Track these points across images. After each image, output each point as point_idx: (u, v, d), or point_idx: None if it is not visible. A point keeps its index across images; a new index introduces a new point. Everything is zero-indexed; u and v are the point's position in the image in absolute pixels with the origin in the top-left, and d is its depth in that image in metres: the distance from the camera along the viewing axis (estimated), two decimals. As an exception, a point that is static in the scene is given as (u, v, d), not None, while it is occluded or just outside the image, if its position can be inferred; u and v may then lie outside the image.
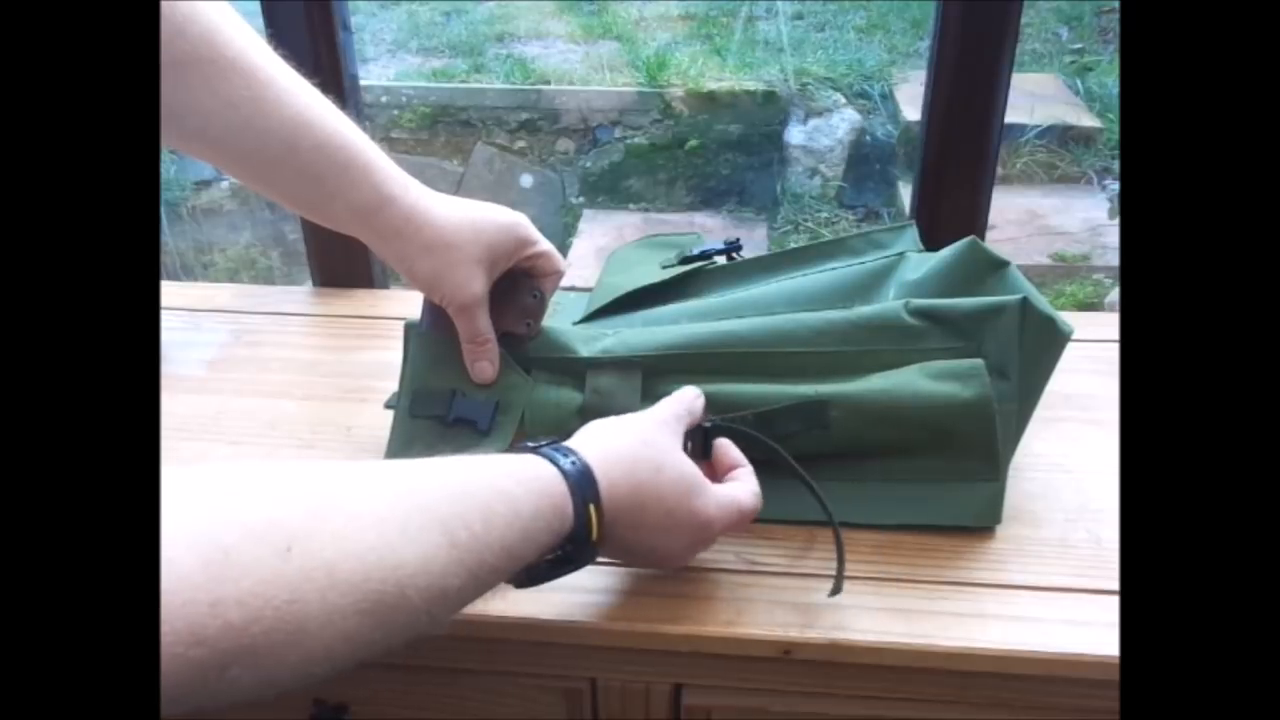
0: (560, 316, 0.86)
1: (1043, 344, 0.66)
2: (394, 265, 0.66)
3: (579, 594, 0.61)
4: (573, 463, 0.52)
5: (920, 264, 0.74)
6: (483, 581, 0.47)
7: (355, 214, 0.63)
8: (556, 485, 0.51)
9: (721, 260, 0.84)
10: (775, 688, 0.62)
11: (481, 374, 0.68)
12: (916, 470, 0.65)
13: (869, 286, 0.75)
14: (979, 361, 0.65)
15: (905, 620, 0.59)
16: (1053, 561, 0.63)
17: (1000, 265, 0.70)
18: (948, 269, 0.71)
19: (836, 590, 0.59)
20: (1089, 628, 0.58)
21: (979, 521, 0.65)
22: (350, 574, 0.40)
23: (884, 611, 0.60)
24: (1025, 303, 0.65)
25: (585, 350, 0.70)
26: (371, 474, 0.45)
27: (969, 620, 0.59)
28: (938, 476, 0.65)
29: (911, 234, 0.81)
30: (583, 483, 0.51)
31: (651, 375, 0.68)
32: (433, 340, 0.70)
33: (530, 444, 0.54)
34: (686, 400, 0.61)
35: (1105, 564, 0.63)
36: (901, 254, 0.77)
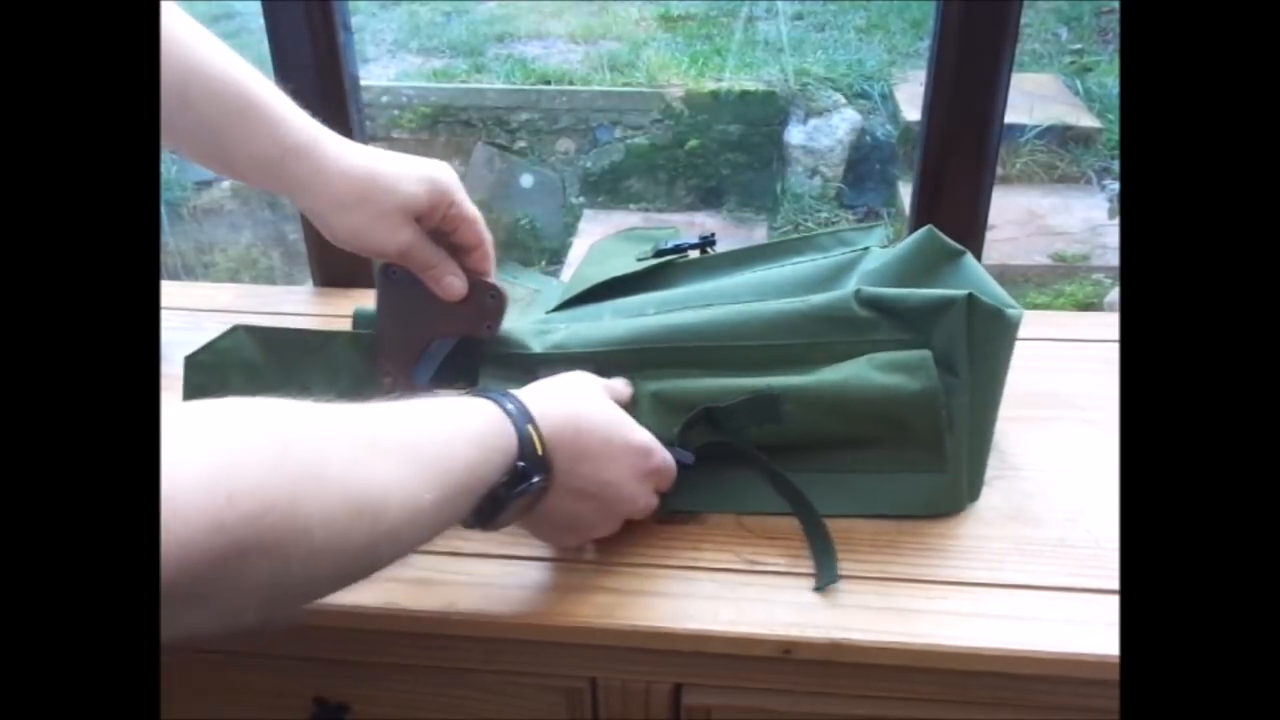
0: (538, 305, 0.86)
1: (992, 336, 0.66)
2: (314, 223, 0.64)
3: (579, 594, 0.61)
4: (506, 396, 0.56)
5: (882, 257, 0.74)
6: (454, 499, 0.50)
7: (259, 166, 0.61)
8: (496, 410, 0.55)
9: (695, 254, 0.85)
10: (775, 688, 0.62)
11: (450, 289, 0.66)
12: (867, 462, 0.66)
13: (831, 279, 0.75)
14: (927, 353, 0.65)
15: (905, 620, 0.59)
16: (1052, 561, 0.63)
17: (956, 254, 0.70)
18: (905, 258, 0.71)
19: (822, 585, 0.61)
20: (1089, 628, 0.58)
21: (929, 511, 0.66)
22: (337, 477, 0.44)
23: (884, 611, 0.60)
24: (971, 298, 0.65)
25: (537, 345, 0.70)
26: (331, 409, 0.48)
27: (969, 620, 0.59)
28: (888, 468, 0.66)
29: (880, 232, 0.81)
30: (519, 411, 0.55)
31: (603, 370, 0.68)
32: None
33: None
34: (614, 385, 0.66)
35: (1105, 564, 0.63)
36: (866, 249, 0.77)
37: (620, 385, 0.66)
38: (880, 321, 0.67)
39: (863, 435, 0.66)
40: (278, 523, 0.40)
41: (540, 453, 0.55)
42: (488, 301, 0.68)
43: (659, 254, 0.84)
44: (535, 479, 0.55)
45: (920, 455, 0.66)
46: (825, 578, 0.61)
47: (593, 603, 0.61)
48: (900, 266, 0.71)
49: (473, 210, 0.67)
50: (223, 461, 0.40)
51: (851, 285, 0.73)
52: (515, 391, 0.57)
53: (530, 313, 0.85)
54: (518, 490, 0.54)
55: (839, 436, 0.66)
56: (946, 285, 0.68)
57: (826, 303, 0.68)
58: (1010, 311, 0.66)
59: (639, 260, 0.85)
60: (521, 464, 0.54)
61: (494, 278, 0.69)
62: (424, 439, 0.49)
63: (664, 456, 0.62)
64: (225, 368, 0.69)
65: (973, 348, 0.65)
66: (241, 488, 0.39)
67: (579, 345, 0.69)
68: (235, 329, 0.69)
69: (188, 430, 0.40)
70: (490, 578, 0.63)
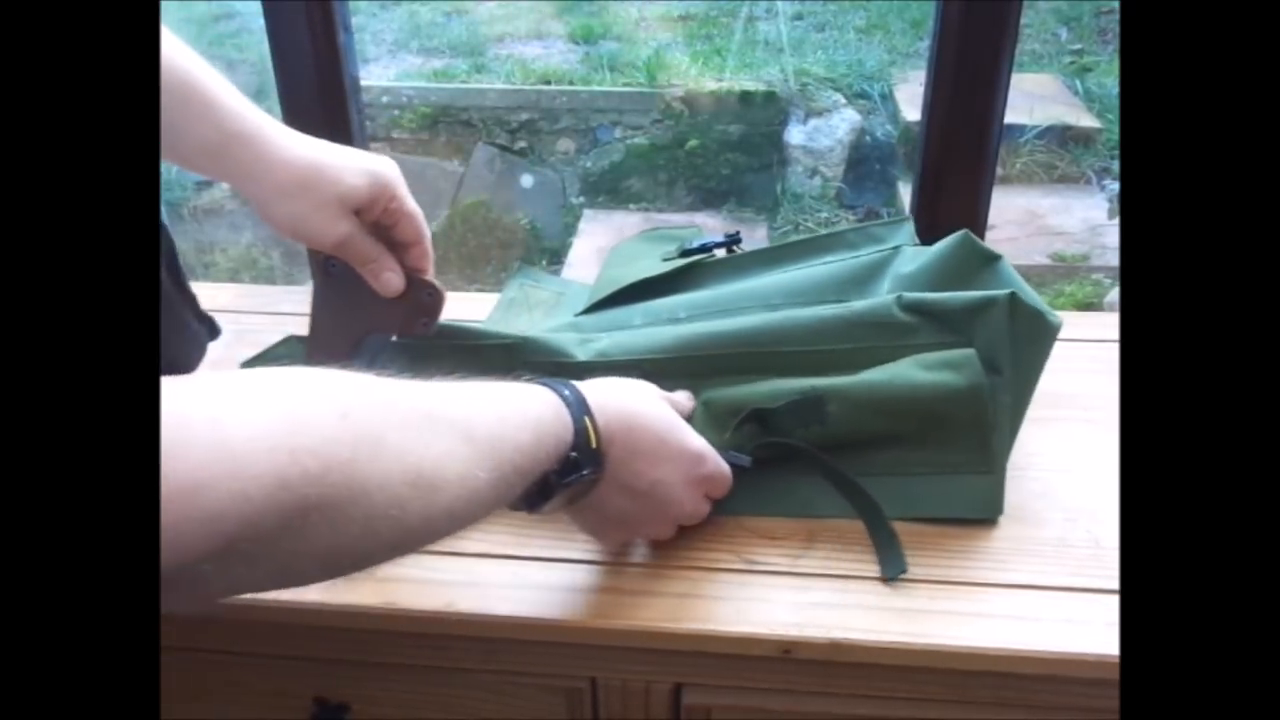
0: (564, 308, 0.86)
1: (1032, 337, 0.66)
2: (255, 210, 0.64)
3: (579, 594, 0.61)
4: (565, 385, 0.56)
5: (914, 257, 0.74)
6: (508, 480, 0.50)
7: (203, 153, 0.61)
8: (554, 398, 0.55)
9: (721, 253, 0.84)
10: (775, 687, 0.62)
11: (388, 285, 0.66)
12: (913, 464, 0.66)
13: (864, 280, 0.76)
14: (971, 351, 0.65)
15: (905, 620, 0.59)
16: (1053, 561, 0.63)
17: (992, 259, 0.70)
18: (940, 263, 0.71)
19: (894, 575, 0.61)
20: (1089, 627, 0.58)
21: (975, 513, 0.66)
22: (395, 444, 0.44)
23: (884, 611, 0.60)
24: (1014, 297, 0.65)
25: (581, 354, 0.70)
26: (389, 382, 0.48)
27: (969, 620, 0.59)
28: (934, 470, 0.66)
29: (908, 228, 0.81)
30: (576, 400, 0.56)
31: (648, 378, 0.68)
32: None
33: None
34: (677, 397, 0.66)
35: (1105, 564, 0.63)
36: (897, 248, 0.77)
37: (683, 398, 0.66)
38: (922, 325, 0.67)
39: (908, 435, 0.66)
40: (338, 483, 0.41)
41: (594, 445, 0.55)
42: (424, 299, 0.68)
43: (685, 254, 0.84)
44: (586, 470, 0.55)
45: (966, 457, 0.65)
46: (894, 568, 0.62)
47: (593, 603, 0.61)
48: (936, 270, 0.71)
49: (413, 206, 0.67)
50: (286, 421, 0.41)
51: (884, 286, 0.74)
52: (575, 383, 0.58)
53: (556, 315, 0.85)
54: (568, 479, 0.55)
55: (884, 437, 0.66)
56: (983, 289, 0.68)
57: (868, 308, 0.69)
58: (1051, 316, 0.66)
59: (664, 260, 0.85)
60: (574, 454, 0.54)
61: (431, 275, 0.69)
62: (481, 418, 0.50)
63: (717, 463, 0.62)
64: None
65: (1013, 348, 0.65)
66: (304, 445, 0.40)
67: (623, 353, 0.69)
68: (289, 338, 0.72)
69: (251, 391, 0.41)
70: (490, 578, 0.63)
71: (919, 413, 0.65)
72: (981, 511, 0.66)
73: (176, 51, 0.60)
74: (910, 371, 0.65)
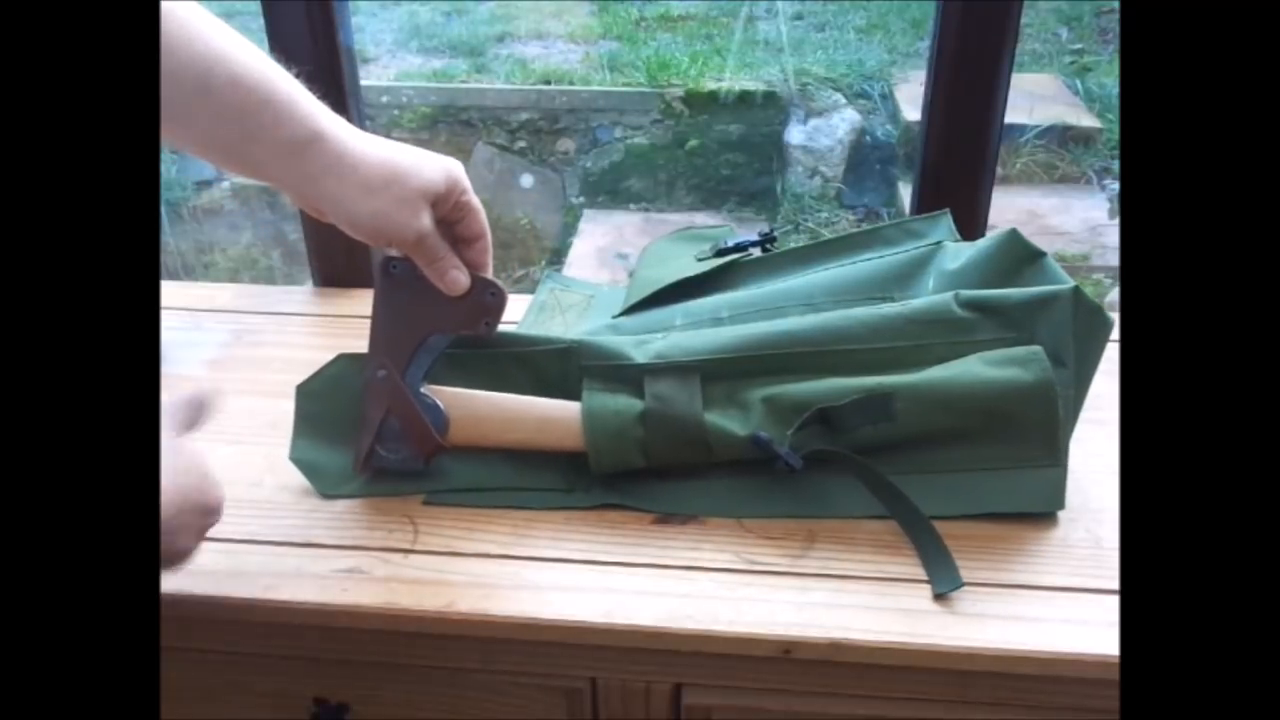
0: (596, 310, 0.86)
1: (1092, 332, 0.67)
2: (330, 212, 0.62)
3: (579, 594, 0.61)
4: None
5: (958, 254, 0.74)
6: None
7: (283, 153, 0.59)
8: None
9: (757, 252, 0.84)
10: (775, 688, 0.62)
11: (455, 283, 0.66)
12: (980, 459, 0.66)
13: (907, 275, 0.76)
14: (1038, 348, 0.65)
15: (905, 620, 0.59)
16: (1053, 561, 0.63)
17: (1038, 255, 0.71)
18: (987, 259, 0.72)
19: (947, 589, 0.60)
20: (1089, 628, 0.58)
21: (1042, 507, 0.66)
22: None
23: (884, 611, 0.60)
24: (1078, 291, 0.65)
25: (639, 356, 0.69)
26: None
27: (969, 620, 0.59)
28: (1001, 465, 0.66)
29: (947, 222, 0.81)
30: None
31: (709, 379, 0.68)
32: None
33: None
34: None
35: (1105, 564, 0.63)
36: (939, 243, 0.77)
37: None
38: (982, 321, 0.68)
39: (976, 431, 0.65)
40: None
41: None
42: (488, 298, 0.68)
43: (720, 253, 0.84)
44: None
45: (1035, 450, 0.65)
46: (947, 583, 0.61)
47: (593, 603, 0.61)
48: (983, 267, 0.71)
49: (478, 202, 0.67)
50: None
51: (929, 283, 0.74)
52: None
53: (589, 318, 0.85)
54: None
55: (953, 434, 0.66)
56: (1031, 286, 0.68)
57: (927, 305, 0.69)
58: (1107, 313, 0.67)
59: (699, 260, 0.84)
60: None
61: (489, 272, 0.69)
62: None
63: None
64: (334, 393, 0.71)
65: (1077, 341, 0.65)
66: None
67: (682, 354, 0.69)
68: (340, 357, 0.72)
69: None
70: (490, 578, 0.63)
71: (987, 409, 0.65)
72: (1047, 505, 0.66)
73: (255, 55, 0.59)
74: (977, 369, 0.65)
